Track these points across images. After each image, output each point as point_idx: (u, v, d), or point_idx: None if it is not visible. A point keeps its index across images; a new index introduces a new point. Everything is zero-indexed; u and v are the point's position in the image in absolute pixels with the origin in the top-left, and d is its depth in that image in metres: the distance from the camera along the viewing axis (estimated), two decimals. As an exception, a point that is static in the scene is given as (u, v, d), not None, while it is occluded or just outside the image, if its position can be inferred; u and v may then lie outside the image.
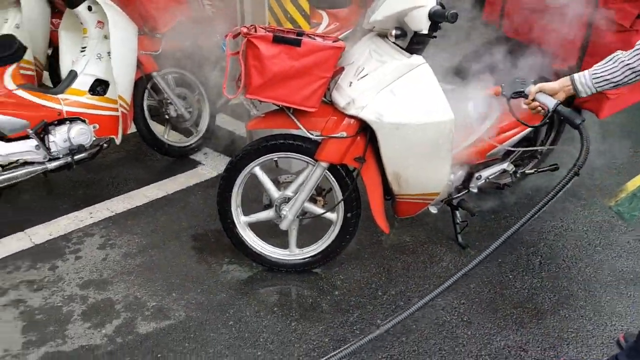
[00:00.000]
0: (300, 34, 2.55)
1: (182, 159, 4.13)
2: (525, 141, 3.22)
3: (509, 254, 3.00)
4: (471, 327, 2.53)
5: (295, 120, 2.52)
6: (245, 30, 2.37)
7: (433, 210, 2.93)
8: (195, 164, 4.06)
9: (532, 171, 3.28)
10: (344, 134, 2.48)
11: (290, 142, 2.62)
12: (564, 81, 2.07)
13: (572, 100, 2.99)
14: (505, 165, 3.10)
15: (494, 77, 2.88)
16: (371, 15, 2.43)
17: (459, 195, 3.01)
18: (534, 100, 2.12)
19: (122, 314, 2.59)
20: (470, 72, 2.97)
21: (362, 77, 2.43)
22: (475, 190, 3.03)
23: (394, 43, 2.42)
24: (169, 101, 4.01)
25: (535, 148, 3.29)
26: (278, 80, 2.36)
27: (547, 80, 2.18)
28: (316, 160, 2.58)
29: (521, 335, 2.48)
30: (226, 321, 2.55)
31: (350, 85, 2.46)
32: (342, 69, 2.55)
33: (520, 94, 2.21)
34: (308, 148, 2.61)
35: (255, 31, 2.40)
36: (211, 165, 3.96)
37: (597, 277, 2.84)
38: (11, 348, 2.39)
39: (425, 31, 2.25)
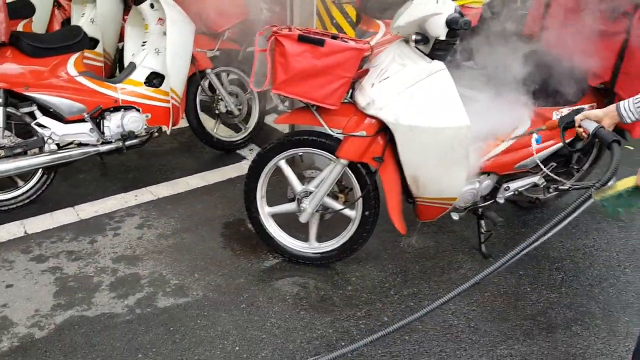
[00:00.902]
0: (335, 36, 2.67)
1: (229, 153, 4.34)
2: (561, 157, 3.18)
3: (531, 268, 2.97)
4: (477, 333, 2.53)
5: (318, 117, 2.63)
6: (275, 29, 2.51)
7: (455, 216, 2.95)
8: (240, 158, 4.25)
9: (566, 187, 3.22)
10: (364, 133, 2.57)
11: (314, 139, 2.73)
12: (610, 108, 2.13)
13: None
14: (536, 179, 3.07)
15: (527, 89, 2.88)
16: (396, 21, 2.50)
17: (485, 204, 3.01)
18: (580, 126, 2.19)
19: (146, 288, 2.78)
20: (503, 82, 2.97)
21: (383, 79, 2.51)
22: (501, 201, 3.02)
23: (416, 48, 2.48)
24: (220, 97, 4.22)
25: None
26: (301, 77, 2.48)
27: None
28: (337, 157, 2.67)
29: (527, 346, 2.46)
30: (239, 304, 2.68)
31: (372, 87, 2.54)
32: (367, 70, 2.64)
33: (570, 124, 2.31)
34: (330, 145, 2.71)
35: (290, 31, 2.54)
36: (254, 161, 4.12)
37: (620, 298, 2.76)
38: (41, 309, 2.62)
39: (443, 37, 2.30)
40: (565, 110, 2.90)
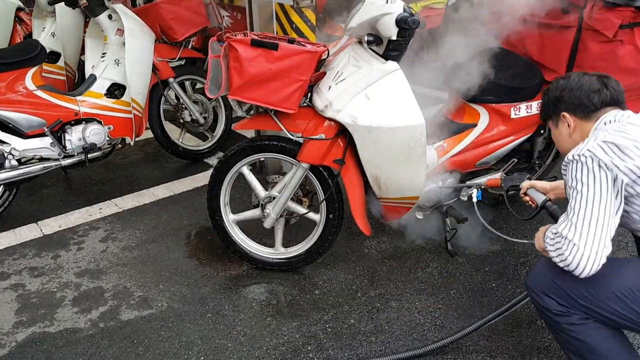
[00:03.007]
0: (292, 41, 2.67)
1: (196, 163, 4.31)
2: (521, 153, 3.21)
3: (496, 264, 2.99)
4: (443, 331, 2.53)
5: (277, 121, 2.62)
6: (228, 34, 2.50)
7: (419, 215, 2.96)
8: (207, 167, 4.22)
9: (528, 183, 3.25)
10: (323, 136, 2.56)
11: (275, 143, 2.72)
12: (557, 184, 2.29)
13: None
14: (498, 175, 3.09)
15: (485, 86, 2.91)
16: (349, 23, 2.51)
17: (449, 202, 3.02)
18: (525, 194, 2.35)
19: (109, 301, 2.74)
20: (462, 80, 3.00)
21: (340, 82, 2.51)
22: (465, 199, 3.03)
23: (370, 49, 2.49)
24: (184, 106, 4.20)
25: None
26: (256, 82, 2.47)
27: None
28: (298, 161, 2.67)
29: (492, 342, 2.47)
30: (204, 313, 2.65)
31: (329, 89, 2.54)
32: (325, 73, 2.64)
33: (515, 188, 2.53)
34: (292, 149, 2.70)
35: (245, 37, 2.53)
36: (220, 169, 4.09)
37: (584, 290, 2.79)
38: (3, 327, 2.57)
39: (394, 37, 2.31)
40: (522, 106, 2.93)
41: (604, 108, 1.87)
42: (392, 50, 2.42)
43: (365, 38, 2.40)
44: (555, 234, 1.78)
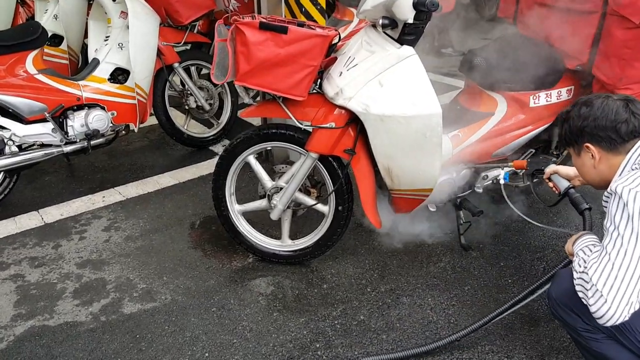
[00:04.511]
0: (302, 24, 2.55)
1: (200, 150, 4.21)
2: (539, 143, 3.09)
3: (512, 258, 2.88)
4: (457, 329, 2.43)
5: (285, 109, 2.51)
6: (235, 17, 2.38)
7: (432, 208, 2.86)
8: (212, 155, 4.12)
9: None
10: (333, 124, 2.45)
11: (282, 132, 2.61)
12: None
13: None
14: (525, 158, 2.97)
15: (503, 74, 2.79)
16: (362, 5, 2.39)
17: (463, 194, 2.91)
18: (549, 180, 2.31)
19: (112, 294, 2.65)
20: (478, 68, 2.87)
21: (351, 67, 2.39)
22: (480, 191, 2.92)
23: (385, 33, 2.36)
24: (189, 92, 4.09)
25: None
26: (265, 67, 2.35)
27: None
28: (307, 151, 2.56)
29: (509, 341, 2.37)
30: (209, 307, 2.56)
31: (340, 75, 2.43)
32: (335, 59, 2.52)
33: (541, 172, 2.47)
34: (300, 138, 2.59)
35: (254, 20, 2.41)
36: (226, 157, 3.99)
37: (603, 287, 2.68)
38: (1, 320, 2.49)
39: (411, 20, 2.18)
40: (542, 95, 2.81)
41: (632, 140, 1.69)
42: (408, 35, 2.28)
43: (380, 21, 2.27)
44: (583, 272, 1.60)
